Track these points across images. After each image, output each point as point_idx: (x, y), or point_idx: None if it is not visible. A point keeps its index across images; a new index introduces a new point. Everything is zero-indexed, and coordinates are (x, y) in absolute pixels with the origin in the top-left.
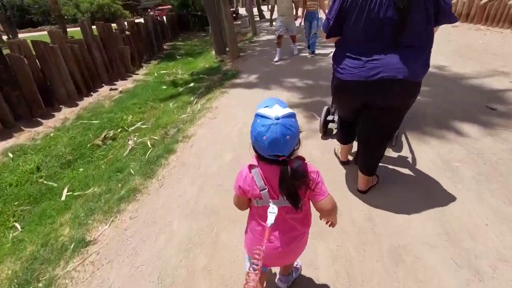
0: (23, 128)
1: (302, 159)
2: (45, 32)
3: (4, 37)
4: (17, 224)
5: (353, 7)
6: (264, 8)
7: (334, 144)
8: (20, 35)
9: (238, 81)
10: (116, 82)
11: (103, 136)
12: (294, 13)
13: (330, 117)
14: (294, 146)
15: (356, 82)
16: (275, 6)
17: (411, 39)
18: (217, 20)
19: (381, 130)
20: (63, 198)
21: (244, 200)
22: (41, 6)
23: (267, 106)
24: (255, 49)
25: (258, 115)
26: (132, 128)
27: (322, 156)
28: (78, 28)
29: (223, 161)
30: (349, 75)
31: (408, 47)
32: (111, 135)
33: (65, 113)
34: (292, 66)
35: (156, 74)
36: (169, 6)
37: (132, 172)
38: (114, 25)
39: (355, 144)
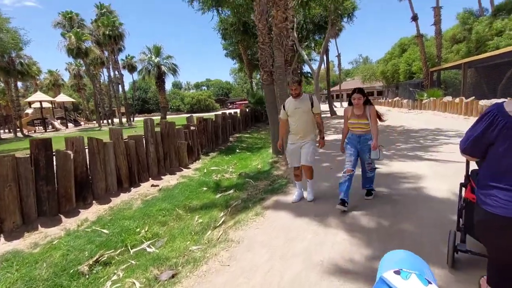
0: (39, 226)
1: None
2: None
3: (124, 119)
4: None
5: (504, 134)
6: (337, 104)
7: None
8: (137, 119)
9: (283, 198)
10: (163, 176)
11: (95, 258)
12: (317, 134)
13: (462, 246)
14: None
15: None
16: (286, 121)
17: None
18: (276, 121)
19: None
20: None
21: None
22: (157, 99)
23: (398, 272)
24: (316, 150)
25: (384, 282)
26: (135, 250)
27: None
28: (178, 116)
29: None
30: (504, 210)
31: None
32: (104, 258)
33: (91, 212)
34: (360, 190)
35: (205, 171)
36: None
37: None
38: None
39: None
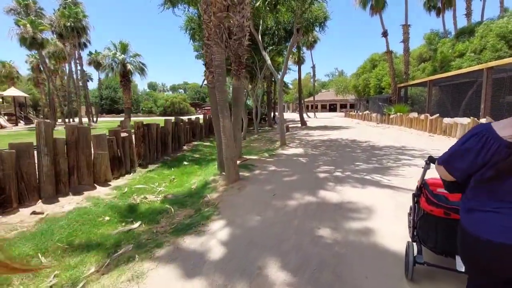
0: None
1: None
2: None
3: (85, 119)
4: None
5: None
6: (311, 114)
7: None
8: (104, 118)
9: (190, 242)
10: (61, 198)
11: None
12: None
13: (419, 258)
14: None
15: None
16: None
17: None
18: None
19: None
20: None
21: None
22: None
23: None
24: (267, 168)
25: None
26: None
27: None
28: (147, 117)
29: None
30: (497, 235)
31: None
32: None
33: None
34: (303, 225)
35: (126, 190)
36: None
37: None
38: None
39: None
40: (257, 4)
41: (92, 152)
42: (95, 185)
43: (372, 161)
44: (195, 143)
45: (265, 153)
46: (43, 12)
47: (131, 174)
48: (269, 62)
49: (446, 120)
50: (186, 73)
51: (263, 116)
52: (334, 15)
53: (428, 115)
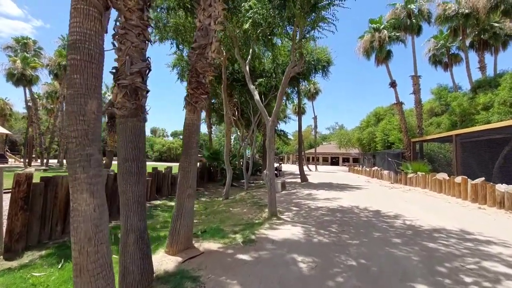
0: None
1: None
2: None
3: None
4: None
5: None
6: (312, 167)
7: None
8: None
9: None
10: None
11: None
12: None
13: None
14: None
15: None
16: None
17: None
18: (134, 195)
19: None
20: None
21: None
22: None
23: None
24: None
25: None
26: None
27: None
28: None
29: None
30: None
31: None
32: None
33: None
34: None
35: None
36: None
37: None
38: None
39: None
40: (246, 26)
41: None
42: None
43: (442, 279)
44: (158, 202)
45: (238, 235)
46: (41, 52)
47: None
48: (257, 97)
49: (501, 187)
50: None
51: (259, 168)
52: (336, 62)
53: (467, 178)
